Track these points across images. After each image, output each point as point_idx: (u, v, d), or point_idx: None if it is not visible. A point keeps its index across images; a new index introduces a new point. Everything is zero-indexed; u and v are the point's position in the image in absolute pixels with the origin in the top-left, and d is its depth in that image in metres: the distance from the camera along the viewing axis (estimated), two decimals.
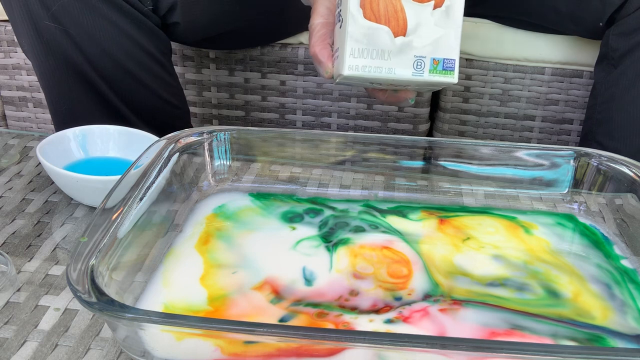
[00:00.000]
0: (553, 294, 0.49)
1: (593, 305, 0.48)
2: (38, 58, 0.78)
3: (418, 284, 0.49)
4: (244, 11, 0.89)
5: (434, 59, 0.56)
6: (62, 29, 0.74)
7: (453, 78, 0.56)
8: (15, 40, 1.08)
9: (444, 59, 0.56)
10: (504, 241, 0.55)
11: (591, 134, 0.87)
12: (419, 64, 0.55)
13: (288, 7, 0.93)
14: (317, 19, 0.61)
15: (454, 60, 0.56)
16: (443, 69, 0.56)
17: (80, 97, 0.79)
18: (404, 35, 0.55)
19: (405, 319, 0.45)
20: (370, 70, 0.55)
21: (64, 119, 0.81)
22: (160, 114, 0.85)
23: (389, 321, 0.45)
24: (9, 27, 1.08)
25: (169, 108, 0.85)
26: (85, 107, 0.80)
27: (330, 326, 0.44)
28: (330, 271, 0.50)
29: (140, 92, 0.81)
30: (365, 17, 0.54)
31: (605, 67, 0.85)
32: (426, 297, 0.47)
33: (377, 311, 0.45)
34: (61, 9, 0.73)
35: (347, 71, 0.55)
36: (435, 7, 0.55)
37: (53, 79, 0.79)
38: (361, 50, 0.55)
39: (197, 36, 0.90)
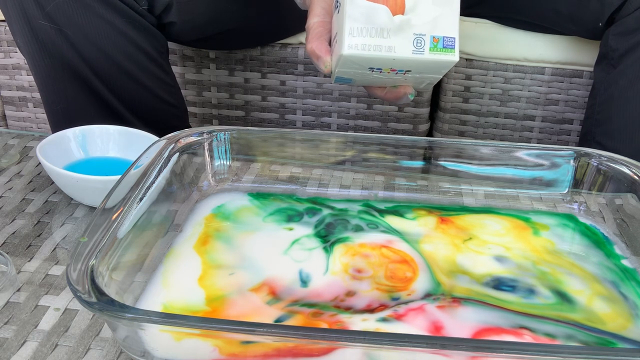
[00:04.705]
0: (563, 296, 0.48)
1: (604, 308, 0.47)
2: (33, 57, 0.78)
3: (421, 284, 0.49)
4: (240, 11, 0.89)
5: (433, 36, 0.55)
6: (57, 29, 0.74)
7: (454, 56, 0.56)
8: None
9: (443, 37, 0.55)
10: (508, 241, 0.55)
11: (590, 134, 0.87)
12: (418, 41, 0.55)
13: (285, 6, 0.93)
14: (314, 19, 0.61)
15: (454, 38, 0.56)
16: (443, 47, 0.56)
17: (76, 96, 0.79)
18: (403, 14, 0.55)
19: (399, 317, 0.45)
20: (370, 49, 0.55)
21: (59, 119, 0.81)
22: (157, 113, 0.85)
23: (382, 319, 0.44)
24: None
25: (166, 107, 0.85)
26: (81, 106, 0.80)
27: (324, 326, 0.44)
28: (328, 272, 0.50)
29: (137, 90, 0.81)
30: None
31: (604, 67, 0.85)
32: (426, 295, 0.47)
33: (371, 310, 0.45)
34: (56, 8, 0.73)
35: (346, 50, 0.55)
36: None
37: (48, 78, 0.79)
38: (360, 29, 0.54)
39: (193, 36, 0.90)
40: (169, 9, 0.80)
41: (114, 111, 0.81)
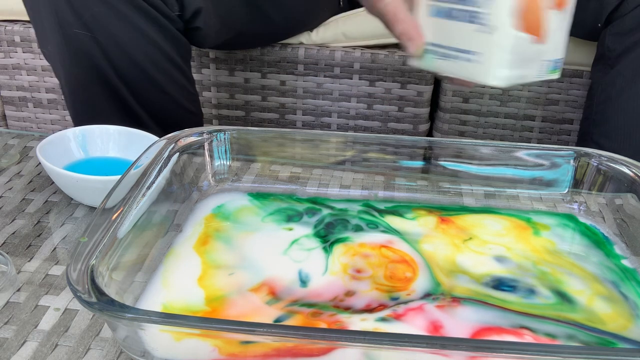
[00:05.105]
0: (563, 296, 0.48)
1: (604, 309, 0.47)
2: (64, 64, 0.77)
3: (420, 284, 0.49)
4: (261, 14, 0.90)
5: (554, 60, 0.56)
6: (91, 37, 0.74)
7: (558, 75, 0.57)
8: (15, 40, 1.09)
9: (558, 59, 0.57)
10: (509, 241, 0.55)
11: (588, 135, 0.87)
12: (543, 66, 0.56)
13: (303, 8, 0.94)
14: None
15: (563, 58, 0.57)
16: (554, 68, 0.57)
17: (102, 102, 0.79)
18: (542, 42, 0.55)
19: (398, 317, 0.45)
20: (511, 79, 0.55)
21: (84, 124, 0.81)
22: (178, 121, 0.85)
23: (381, 319, 0.44)
24: (9, 27, 1.08)
25: (186, 115, 0.86)
26: (106, 112, 0.80)
27: (323, 325, 0.44)
28: (327, 272, 0.50)
29: (161, 99, 0.82)
30: (515, 26, 0.53)
31: (601, 67, 0.85)
32: (426, 295, 0.47)
33: (370, 310, 0.45)
34: (92, 17, 0.73)
35: (494, 81, 0.55)
36: (561, 10, 0.55)
37: (78, 85, 0.79)
38: (509, 60, 0.54)
39: (214, 41, 0.90)
40: (197, 15, 0.80)
41: (137, 118, 0.81)
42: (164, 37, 0.78)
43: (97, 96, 0.79)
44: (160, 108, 0.82)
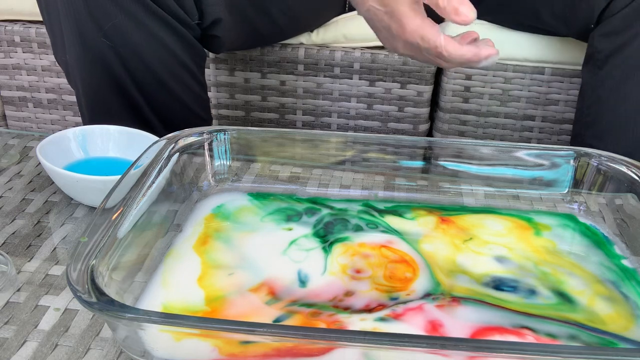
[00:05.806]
0: (564, 297, 0.48)
1: (605, 309, 0.47)
2: (82, 73, 0.77)
3: (420, 284, 0.49)
4: (270, 20, 0.90)
5: None
6: (110, 46, 0.74)
7: None
8: (15, 40, 1.09)
9: None
10: (510, 242, 0.55)
11: (580, 136, 0.86)
12: None
13: (310, 12, 0.94)
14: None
15: None
16: None
17: (118, 110, 0.79)
18: None
19: (397, 316, 0.45)
20: None
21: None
22: (190, 127, 0.85)
23: (380, 319, 0.44)
24: (9, 27, 1.08)
25: (198, 121, 0.86)
26: (121, 119, 0.80)
27: (323, 325, 0.44)
28: (326, 272, 0.50)
29: (174, 106, 0.82)
30: None
31: (591, 68, 0.84)
32: (426, 295, 0.47)
33: (370, 310, 0.45)
34: (113, 27, 0.73)
35: None
36: None
37: (94, 93, 0.79)
38: None
39: (227, 48, 0.90)
40: (216, 24, 0.80)
41: (150, 125, 0.81)
42: (181, 46, 0.77)
43: (112, 104, 0.79)
44: (173, 115, 0.82)
